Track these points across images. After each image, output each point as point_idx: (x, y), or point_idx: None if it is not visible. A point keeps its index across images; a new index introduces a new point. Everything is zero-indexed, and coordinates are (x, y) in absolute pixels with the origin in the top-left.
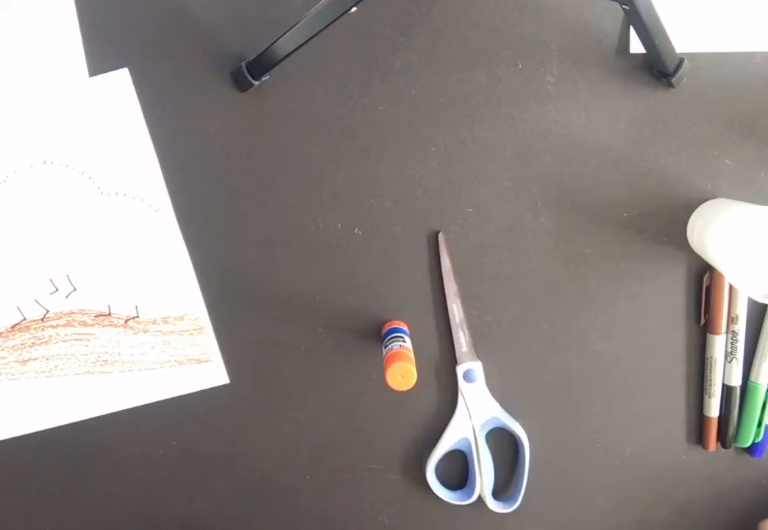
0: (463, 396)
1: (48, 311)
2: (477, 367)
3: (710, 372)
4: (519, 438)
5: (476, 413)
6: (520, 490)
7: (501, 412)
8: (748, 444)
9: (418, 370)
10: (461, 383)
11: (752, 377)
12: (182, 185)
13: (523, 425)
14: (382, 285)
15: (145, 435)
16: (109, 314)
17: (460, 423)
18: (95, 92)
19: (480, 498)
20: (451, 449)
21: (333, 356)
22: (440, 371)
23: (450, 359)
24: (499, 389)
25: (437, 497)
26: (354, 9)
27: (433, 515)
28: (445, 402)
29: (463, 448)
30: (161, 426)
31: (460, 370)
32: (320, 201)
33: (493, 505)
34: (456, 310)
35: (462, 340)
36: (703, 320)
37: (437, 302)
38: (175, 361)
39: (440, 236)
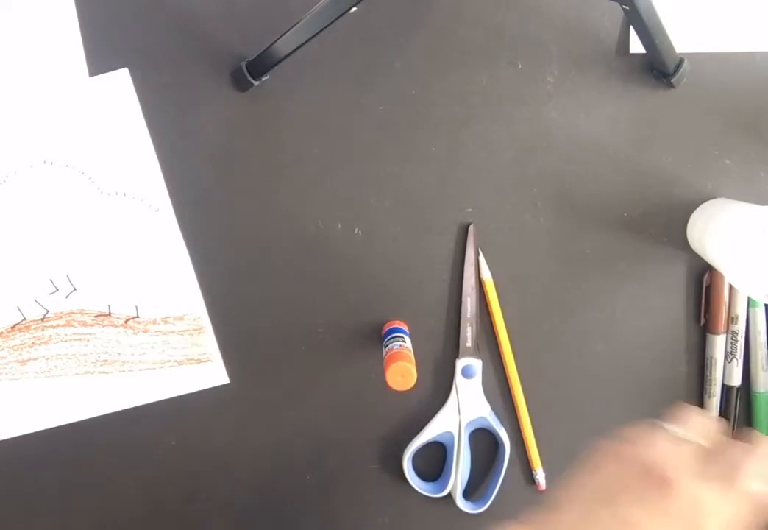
0: (456, 391)
1: (48, 311)
2: (477, 364)
3: (710, 372)
4: (502, 442)
5: (466, 410)
6: (491, 494)
7: (490, 414)
8: None
9: (418, 362)
10: (458, 377)
11: (753, 387)
12: (182, 185)
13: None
14: (382, 285)
15: (145, 435)
16: (109, 314)
17: (448, 416)
18: (95, 92)
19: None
20: (432, 440)
21: (333, 356)
22: (440, 363)
23: (452, 352)
24: (494, 391)
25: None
26: (354, 9)
27: (434, 515)
28: (440, 394)
29: (444, 441)
30: (161, 426)
31: (459, 364)
32: (320, 201)
33: (462, 504)
34: (470, 304)
35: (468, 335)
36: (703, 320)
37: (443, 296)
38: (175, 361)
39: (471, 228)
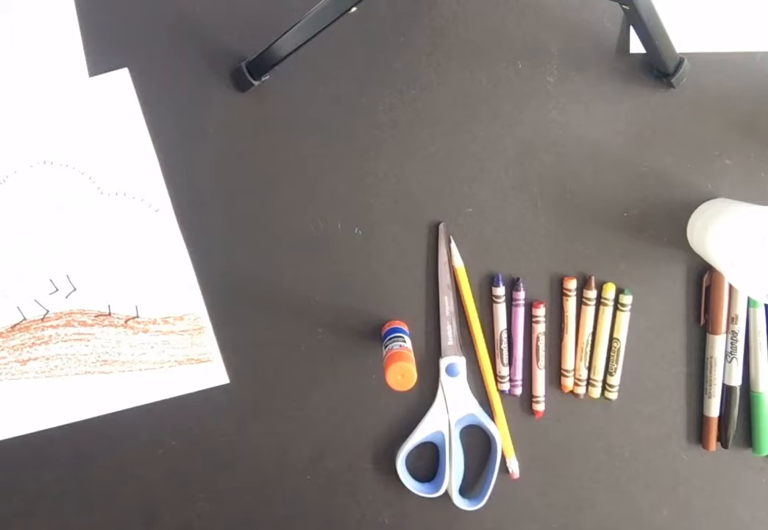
0: (443, 390)
1: (48, 311)
2: (460, 362)
3: (710, 372)
4: (493, 437)
5: (454, 408)
6: (487, 489)
7: (478, 410)
8: None
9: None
10: (443, 376)
11: (753, 387)
12: (182, 185)
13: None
14: (382, 285)
15: (145, 435)
16: (109, 314)
17: (437, 416)
18: (95, 92)
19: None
20: (424, 441)
21: (333, 356)
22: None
23: (436, 351)
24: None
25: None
26: (354, 9)
27: (434, 515)
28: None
29: (436, 441)
30: (161, 426)
31: (443, 363)
32: (320, 201)
33: (459, 501)
34: (447, 302)
35: (449, 333)
36: (703, 320)
37: (430, 295)
38: (175, 361)
39: (441, 226)
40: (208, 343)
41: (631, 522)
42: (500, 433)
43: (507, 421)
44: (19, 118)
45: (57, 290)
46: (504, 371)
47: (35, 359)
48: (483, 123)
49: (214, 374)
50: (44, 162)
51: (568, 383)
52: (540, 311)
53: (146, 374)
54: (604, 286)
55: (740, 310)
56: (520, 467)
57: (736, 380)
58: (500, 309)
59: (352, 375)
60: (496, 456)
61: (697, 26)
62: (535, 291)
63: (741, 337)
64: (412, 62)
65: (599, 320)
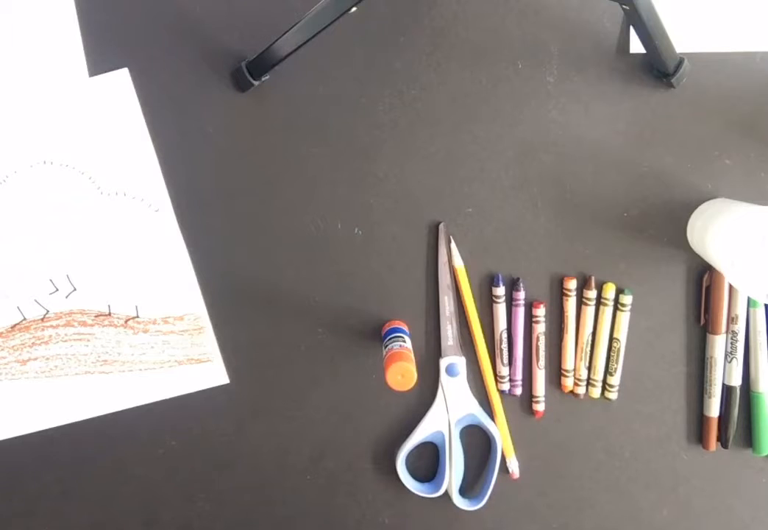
0: (443, 390)
1: (48, 311)
2: (460, 362)
3: (710, 372)
4: (493, 437)
5: (453, 408)
6: (487, 489)
7: (478, 410)
8: None
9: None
10: (443, 376)
11: (753, 387)
12: (182, 185)
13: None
14: (382, 285)
15: (145, 435)
16: (109, 314)
17: (437, 416)
18: (95, 92)
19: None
20: (424, 441)
21: (333, 356)
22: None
23: (436, 351)
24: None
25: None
26: (354, 9)
27: (434, 515)
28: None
29: (436, 441)
30: (161, 426)
31: (443, 363)
32: (320, 201)
33: (459, 501)
34: (447, 302)
35: (449, 333)
36: (703, 320)
37: (430, 295)
38: (175, 361)
39: (441, 226)
40: (208, 343)
41: (631, 522)
42: (500, 433)
43: (507, 421)
44: (19, 118)
45: (57, 290)
46: (504, 371)
47: (35, 359)
48: (483, 123)
49: (214, 374)
50: (44, 162)
51: (568, 383)
52: (540, 311)
53: (146, 374)
54: (604, 286)
55: (740, 310)
56: (520, 467)
57: (736, 380)
58: (500, 309)
59: (352, 375)
60: (496, 456)
61: (697, 26)
62: (535, 291)
63: (741, 337)
64: (412, 62)
65: (599, 320)
